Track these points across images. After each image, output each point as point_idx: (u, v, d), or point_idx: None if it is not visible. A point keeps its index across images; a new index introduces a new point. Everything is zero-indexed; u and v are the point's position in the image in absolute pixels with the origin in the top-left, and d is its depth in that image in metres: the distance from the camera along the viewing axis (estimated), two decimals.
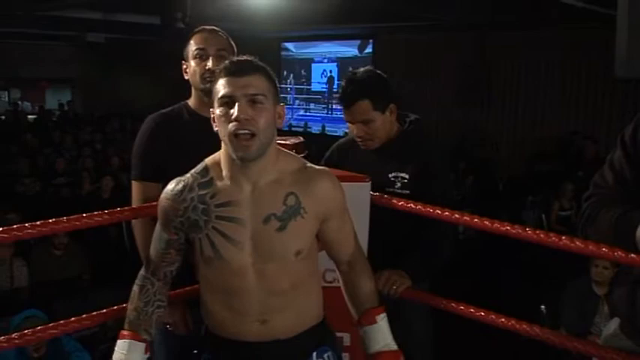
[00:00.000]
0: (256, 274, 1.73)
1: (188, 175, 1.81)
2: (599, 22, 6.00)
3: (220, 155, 1.78)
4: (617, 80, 4.83)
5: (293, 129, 11.71)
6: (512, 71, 9.06)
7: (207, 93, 2.47)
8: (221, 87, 1.68)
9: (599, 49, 7.27)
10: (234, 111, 1.64)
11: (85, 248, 5.72)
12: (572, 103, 8.55)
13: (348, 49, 11.27)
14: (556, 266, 4.92)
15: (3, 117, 14.31)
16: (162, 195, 1.84)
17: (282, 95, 11.97)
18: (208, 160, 1.82)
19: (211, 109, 1.74)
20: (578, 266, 4.28)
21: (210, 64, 2.44)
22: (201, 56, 2.45)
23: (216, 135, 2.48)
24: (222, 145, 1.75)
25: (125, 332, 1.85)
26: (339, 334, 2.13)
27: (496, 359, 4.53)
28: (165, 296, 1.93)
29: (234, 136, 1.65)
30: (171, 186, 1.82)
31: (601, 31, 6.03)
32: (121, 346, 1.83)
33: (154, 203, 2.29)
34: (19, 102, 15.94)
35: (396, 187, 2.40)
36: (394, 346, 1.87)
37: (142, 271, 1.93)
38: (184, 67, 2.53)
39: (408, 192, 2.37)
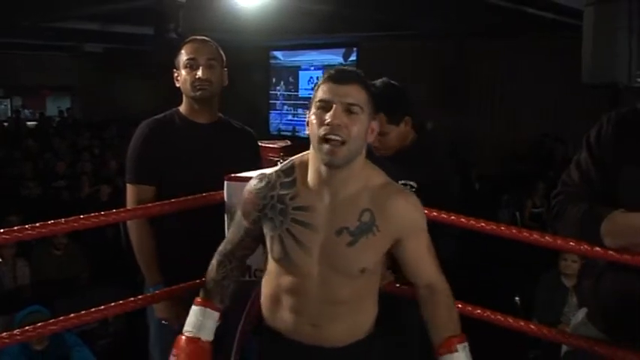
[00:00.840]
0: (320, 281, 1.69)
1: (272, 171, 1.77)
2: (570, 31, 6.05)
3: (309, 157, 1.71)
4: (584, 86, 4.86)
5: (282, 133, 11.71)
6: (490, 77, 9.11)
7: (198, 100, 2.50)
8: (321, 92, 1.63)
9: (569, 56, 7.30)
10: (329, 115, 1.59)
11: (84, 248, 5.68)
12: (543, 107, 8.61)
13: (334, 57, 11.26)
14: (529, 260, 4.94)
15: (6, 123, 14.24)
16: (247, 188, 1.81)
17: (271, 101, 12.15)
18: (296, 158, 1.76)
19: (307, 112, 1.69)
20: (550, 260, 4.33)
21: (200, 73, 2.44)
22: (192, 65, 2.45)
23: (205, 139, 2.50)
24: (311, 148, 1.68)
25: (200, 299, 1.87)
26: None
27: (473, 347, 4.54)
28: (241, 273, 1.94)
29: (325, 140, 1.59)
30: (255, 181, 1.78)
31: (571, 40, 6.08)
32: (196, 311, 1.86)
33: (149, 205, 2.31)
34: (21, 109, 15.84)
35: None
36: None
37: (221, 247, 1.91)
38: (176, 75, 2.53)
39: None
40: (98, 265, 5.69)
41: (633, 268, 1.64)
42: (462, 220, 1.88)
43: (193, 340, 1.82)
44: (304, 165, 1.72)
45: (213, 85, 2.48)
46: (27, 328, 1.83)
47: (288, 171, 1.74)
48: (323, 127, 1.59)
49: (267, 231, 1.74)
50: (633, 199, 1.65)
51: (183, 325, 2.36)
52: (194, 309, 1.86)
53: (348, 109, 1.60)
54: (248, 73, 2.48)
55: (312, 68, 11.62)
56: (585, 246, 1.67)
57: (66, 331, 3.48)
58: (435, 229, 2.22)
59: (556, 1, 5.48)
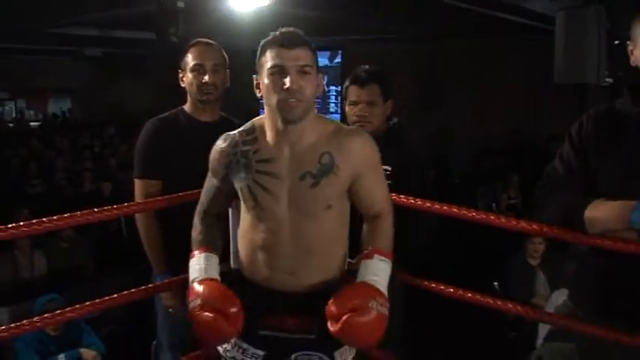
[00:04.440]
0: (291, 227, 1.71)
1: (236, 132, 1.80)
2: (540, 34, 6.10)
3: (265, 118, 1.75)
4: (558, 85, 4.94)
5: None
6: (465, 77, 9.12)
7: (202, 102, 2.49)
8: (271, 57, 1.64)
9: (539, 58, 7.35)
10: (287, 81, 1.62)
11: (88, 241, 5.65)
12: (515, 105, 8.66)
13: (320, 59, 11.01)
14: (502, 247, 4.97)
15: (11, 124, 14.11)
16: (213, 148, 1.83)
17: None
18: (256, 120, 1.80)
19: (256, 77, 1.71)
20: (517, 244, 4.48)
21: (207, 78, 2.44)
22: (199, 70, 2.45)
23: (209, 136, 2.48)
24: (267, 109, 1.72)
25: (197, 250, 1.78)
26: None
27: (455, 331, 4.57)
28: (224, 226, 1.91)
29: (285, 102, 1.63)
30: (220, 141, 1.81)
31: (540, 42, 6.13)
32: (197, 259, 1.75)
33: (158, 198, 2.30)
34: (25, 110, 15.71)
35: None
36: (376, 283, 1.66)
37: (198, 208, 1.89)
38: (181, 75, 2.52)
39: (389, 182, 2.37)
40: (102, 256, 5.67)
41: (613, 252, 1.65)
42: (455, 210, 1.88)
43: (205, 281, 1.69)
44: (263, 124, 1.76)
45: (218, 89, 2.50)
46: (46, 315, 1.81)
47: (249, 130, 1.78)
48: (282, 92, 1.63)
49: (237, 185, 1.77)
50: (612, 188, 1.66)
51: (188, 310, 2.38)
52: (193, 261, 1.77)
53: (302, 71, 1.64)
54: (240, 75, 2.49)
55: None
56: (570, 233, 1.69)
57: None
58: (413, 213, 2.24)
59: (527, 6, 5.51)
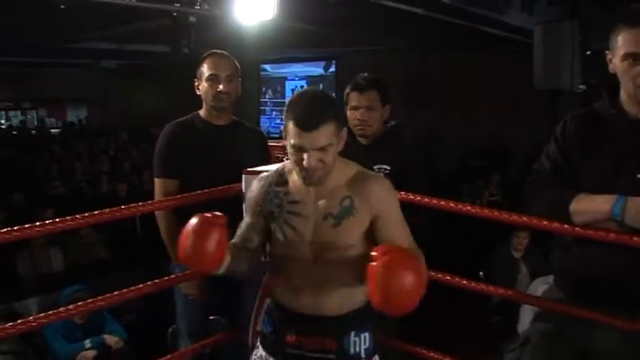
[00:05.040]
0: (314, 259, 1.72)
1: (270, 173, 1.81)
2: (519, 46, 6.15)
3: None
4: (534, 92, 5.01)
5: (271, 135, 11.67)
6: (452, 85, 9.13)
7: (217, 108, 2.50)
8: (292, 134, 1.60)
9: (518, 67, 7.38)
10: (305, 161, 1.60)
11: (105, 237, 5.63)
12: (497, 110, 8.67)
13: (315, 69, 11.24)
14: (488, 239, 4.99)
15: (33, 131, 14.09)
16: (251, 187, 1.84)
17: (261, 107, 12.15)
18: (287, 163, 1.79)
19: (285, 138, 1.66)
20: (501, 237, 4.51)
21: (221, 87, 2.45)
22: (214, 80, 2.46)
23: (222, 139, 2.50)
24: None
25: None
26: None
27: (443, 315, 4.58)
28: (249, 254, 1.87)
29: (306, 171, 1.63)
30: (256, 182, 1.82)
31: (519, 54, 6.17)
32: None
33: (178, 196, 2.30)
34: (46, 118, 15.68)
35: None
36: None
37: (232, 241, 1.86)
38: (197, 84, 2.52)
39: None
40: (118, 251, 5.65)
41: (595, 241, 1.67)
42: (452, 204, 1.90)
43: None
44: (292, 169, 1.75)
45: (232, 97, 2.51)
46: (79, 304, 1.81)
47: (282, 172, 1.79)
48: (301, 168, 1.62)
49: (270, 222, 1.78)
50: (594, 185, 1.68)
51: (205, 298, 2.38)
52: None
53: (321, 149, 1.60)
54: (242, 83, 2.52)
55: (297, 78, 11.61)
56: (556, 224, 1.70)
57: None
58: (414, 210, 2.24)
59: (506, 20, 5.53)
